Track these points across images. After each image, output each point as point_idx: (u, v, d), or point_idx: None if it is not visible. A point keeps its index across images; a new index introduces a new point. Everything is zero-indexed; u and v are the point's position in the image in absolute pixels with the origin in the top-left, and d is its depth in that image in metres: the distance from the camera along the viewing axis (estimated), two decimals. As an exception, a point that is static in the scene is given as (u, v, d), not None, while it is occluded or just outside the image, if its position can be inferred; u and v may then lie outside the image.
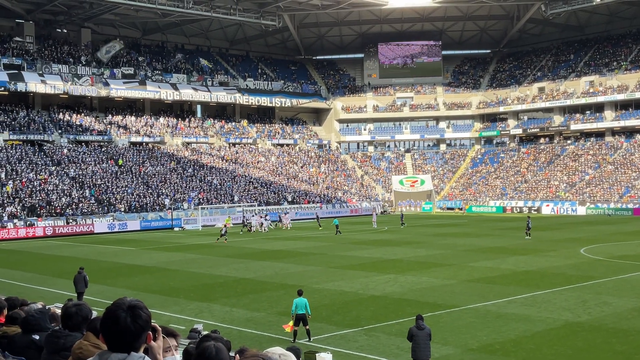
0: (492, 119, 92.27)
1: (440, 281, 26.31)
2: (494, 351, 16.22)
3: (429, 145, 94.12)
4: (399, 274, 28.42)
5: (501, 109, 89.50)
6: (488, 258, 32.98)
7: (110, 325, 2.90)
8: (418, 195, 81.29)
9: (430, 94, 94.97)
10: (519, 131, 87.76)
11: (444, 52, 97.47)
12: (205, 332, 16.77)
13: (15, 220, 53.47)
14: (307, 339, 17.17)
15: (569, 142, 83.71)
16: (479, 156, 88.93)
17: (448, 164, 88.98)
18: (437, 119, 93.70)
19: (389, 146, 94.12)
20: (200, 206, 62.87)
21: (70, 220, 55.80)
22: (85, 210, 58.34)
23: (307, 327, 17.47)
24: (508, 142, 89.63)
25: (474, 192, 79.88)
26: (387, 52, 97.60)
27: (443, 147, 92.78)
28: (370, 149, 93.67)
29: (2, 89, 66.98)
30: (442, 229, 51.76)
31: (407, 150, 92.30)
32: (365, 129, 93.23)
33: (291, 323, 17.28)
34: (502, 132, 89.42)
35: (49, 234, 52.81)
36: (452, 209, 77.17)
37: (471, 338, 17.40)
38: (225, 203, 66.05)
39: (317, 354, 15.31)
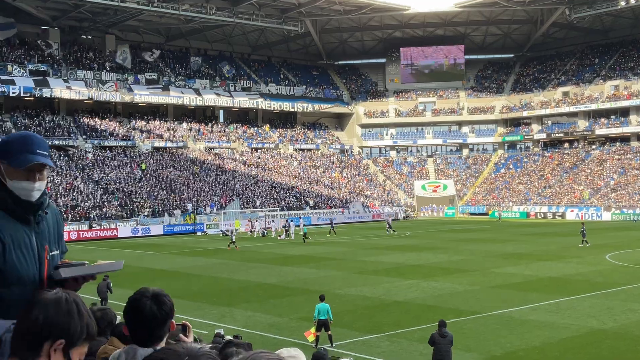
0: (515, 123, 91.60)
1: (463, 287, 26.14)
2: (518, 358, 16.10)
3: (451, 150, 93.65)
4: (421, 279, 28.28)
5: (525, 113, 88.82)
6: (512, 264, 32.72)
7: (135, 314, 2.90)
8: (440, 200, 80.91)
9: (453, 99, 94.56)
10: (543, 136, 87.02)
11: (466, 57, 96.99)
12: (228, 337, 16.82)
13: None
14: (330, 345, 17.14)
15: (593, 147, 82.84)
16: (502, 161, 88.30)
17: (471, 168, 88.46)
18: (460, 124, 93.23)
19: (411, 151, 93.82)
20: (222, 211, 63.13)
21: (95, 225, 56.33)
22: (110, 215, 58.88)
23: (329, 332, 17.46)
24: (532, 147, 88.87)
25: (497, 197, 79.32)
26: (409, 56, 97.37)
27: (466, 151, 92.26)
28: (393, 153, 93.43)
29: (28, 94, 67.87)
30: (465, 235, 51.44)
31: (430, 155, 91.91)
32: (387, 134, 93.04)
33: (313, 329, 17.27)
34: (525, 137, 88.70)
35: (73, 238, 53.28)
36: (483, 214, 75.70)
37: (495, 345, 17.27)
38: (247, 208, 66.24)
39: (339, 360, 15.30)
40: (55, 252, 3.12)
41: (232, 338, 16.15)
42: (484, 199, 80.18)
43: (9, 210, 2.91)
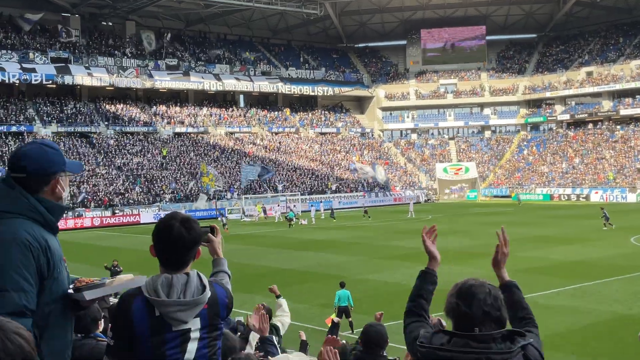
0: (538, 104, 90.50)
1: (486, 272, 25.68)
2: (541, 345, 15.86)
3: (473, 132, 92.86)
4: (443, 264, 27.53)
5: (548, 94, 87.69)
6: (535, 247, 32.36)
7: (164, 235, 2.91)
8: (462, 183, 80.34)
9: (475, 80, 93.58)
10: (567, 117, 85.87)
11: (488, 37, 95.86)
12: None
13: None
14: (350, 331, 17.07)
15: (618, 127, 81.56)
16: (525, 143, 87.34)
17: (493, 150, 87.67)
18: (482, 106, 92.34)
19: (432, 133, 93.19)
20: (244, 196, 63.25)
21: (117, 211, 56.76)
22: (132, 201, 59.27)
23: (350, 319, 17.39)
24: (555, 128, 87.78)
25: (519, 178, 78.57)
26: (430, 38, 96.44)
27: (488, 133, 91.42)
28: (414, 136, 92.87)
29: (50, 82, 68.34)
30: (487, 218, 51.03)
31: (451, 138, 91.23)
32: (408, 117, 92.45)
33: (333, 316, 17.19)
34: (548, 118, 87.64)
35: (96, 224, 53.81)
36: (505, 196, 74.29)
37: (517, 331, 17.04)
38: (268, 192, 66.30)
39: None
40: (66, 264, 3.07)
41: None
42: (507, 181, 79.48)
43: (42, 222, 2.84)
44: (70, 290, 2.93)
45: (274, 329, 7.97)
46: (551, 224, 44.81)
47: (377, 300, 21.19)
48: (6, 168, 2.91)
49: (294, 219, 51.60)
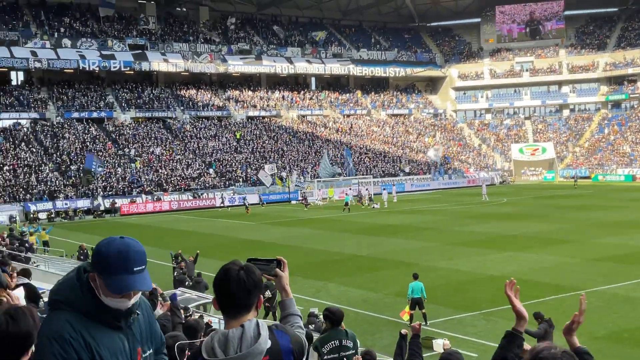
0: (619, 81, 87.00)
1: (563, 259, 25.26)
2: (621, 340, 15.43)
3: (550, 111, 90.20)
4: (518, 251, 27.52)
5: (630, 70, 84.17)
6: (615, 234, 31.28)
7: (224, 281, 2.87)
8: (539, 164, 78.32)
9: (552, 57, 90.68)
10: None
11: (566, 12, 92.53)
12: (320, 314, 16.97)
13: (144, 195, 56.32)
14: (424, 323, 17.01)
15: None
16: (606, 121, 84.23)
17: (571, 130, 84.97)
18: (560, 84, 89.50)
19: (507, 113, 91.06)
20: (316, 179, 63.56)
21: (194, 195, 58.08)
22: (208, 184, 60.51)
23: (424, 310, 17.33)
24: (637, 106, 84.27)
25: (599, 158, 75.96)
26: (505, 15, 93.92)
27: (566, 112, 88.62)
28: (488, 116, 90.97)
29: (128, 68, 70.27)
30: (564, 201, 49.63)
31: (527, 117, 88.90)
32: (482, 96, 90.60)
33: (407, 308, 17.19)
34: (631, 95, 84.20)
35: (174, 208, 55.22)
36: (584, 177, 71.07)
37: (597, 325, 16.57)
38: (340, 175, 66.35)
39: (433, 341, 15.16)
40: (148, 352, 3.08)
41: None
42: (586, 162, 76.98)
43: (97, 318, 2.85)
44: None
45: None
46: (632, 207, 43.14)
47: (450, 290, 21.00)
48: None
49: (364, 202, 51.18)
